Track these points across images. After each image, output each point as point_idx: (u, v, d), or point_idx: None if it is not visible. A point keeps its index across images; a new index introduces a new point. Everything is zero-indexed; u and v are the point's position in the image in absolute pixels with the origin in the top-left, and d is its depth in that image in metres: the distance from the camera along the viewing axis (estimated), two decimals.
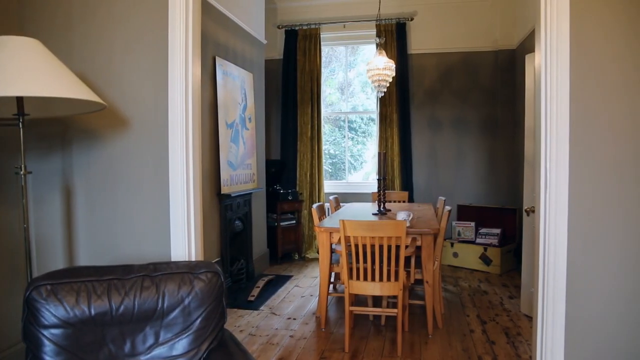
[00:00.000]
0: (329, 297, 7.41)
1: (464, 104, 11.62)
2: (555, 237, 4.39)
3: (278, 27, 12.21)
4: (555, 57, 4.31)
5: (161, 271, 3.64)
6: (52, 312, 3.24)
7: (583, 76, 4.30)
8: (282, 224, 11.25)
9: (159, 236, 4.83)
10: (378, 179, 8.29)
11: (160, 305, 3.51)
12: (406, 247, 6.46)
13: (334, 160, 13.13)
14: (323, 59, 12.30)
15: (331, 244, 6.92)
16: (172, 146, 4.73)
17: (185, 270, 3.68)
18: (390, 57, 10.56)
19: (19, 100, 4.07)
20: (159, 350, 3.52)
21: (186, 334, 3.57)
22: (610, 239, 4.34)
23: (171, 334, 3.55)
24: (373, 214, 8.06)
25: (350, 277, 6.23)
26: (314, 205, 7.60)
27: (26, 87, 3.59)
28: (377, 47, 10.02)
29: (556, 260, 4.40)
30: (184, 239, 4.78)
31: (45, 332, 3.24)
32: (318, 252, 7.57)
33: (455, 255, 10.75)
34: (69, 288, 3.34)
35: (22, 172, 4.10)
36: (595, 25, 4.28)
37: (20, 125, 4.06)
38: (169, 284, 3.58)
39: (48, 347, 3.24)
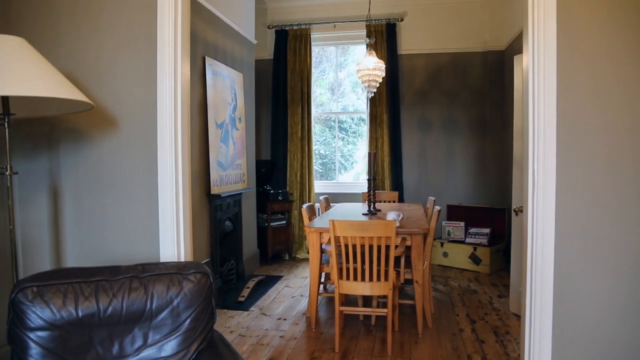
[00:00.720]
0: (319, 297, 7.41)
1: (453, 104, 11.64)
2: (542, 237, 4.44)
3: (268, 27, 12.19)
4: (543, 58, 4.35)
5: (150, 272, 3.62)
6: (38, 314, 3.22)
7: (569, 77, 4.35)
8: (272, 224, 11.25)
9: (148, 237, 4.81)
10: (368, 179, 8.29)
11: (148, 306, 3.49)
12: (396, 247, 6.46)
13: (324, 161, 13.13)
14: (313, 59, 12.32)
15: (321, 244, 6.91)
16: (161, 146, 4.71)
17: (174, 271, 3.66)
18: (380, 58, 10.54)
19: (4, 99, 4.04)
20: (148, 352, 3.50)
21: (175, 335, 3.55)
22: (596, 239, 4.42)
23: (160, 335, 3.53)
24: (363, 214, 8.06)
25: (340, 277, 6.23)
26: (304, 206, 7.59)
27: (11, 87, 3.57)
28: (367, 48, 10.07)
29: (543, 260, 4.45)
30: (173, 239, 4.77)
31: (32, 335, 3.22)
32: (308, 253, 7.61)
33: (445, 254, 10.77)
34: (56, 290, 3.32)
35: (7, 173, 4.08)
36: (582, 27, 4.35)
37: (6, 125, 4.04)
38: (157, 285, 3.56)
39: (34, 350, 3.21)
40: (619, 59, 4.31)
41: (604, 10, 4.31)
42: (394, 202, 10.41)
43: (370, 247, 6.15)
